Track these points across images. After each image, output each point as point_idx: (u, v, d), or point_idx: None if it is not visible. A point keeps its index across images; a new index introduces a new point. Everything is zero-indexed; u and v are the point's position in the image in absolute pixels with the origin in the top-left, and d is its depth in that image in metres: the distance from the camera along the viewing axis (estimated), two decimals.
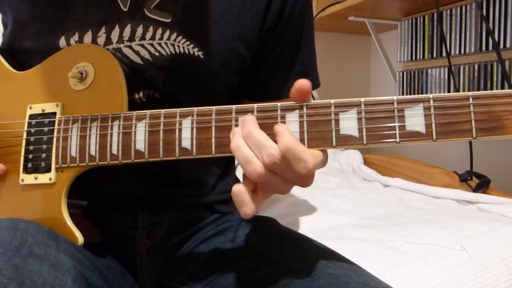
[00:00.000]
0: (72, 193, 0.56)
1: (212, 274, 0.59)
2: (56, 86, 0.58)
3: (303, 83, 0.46)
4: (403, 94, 1.73)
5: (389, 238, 0.86)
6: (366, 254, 0.78)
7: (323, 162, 0.47)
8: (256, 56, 0.67)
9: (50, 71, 0.59)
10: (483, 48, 1.41)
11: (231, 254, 0.61)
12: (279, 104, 0.47)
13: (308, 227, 0.98)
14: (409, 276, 0.72)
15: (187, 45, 0.60)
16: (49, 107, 0.57)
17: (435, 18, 1.56)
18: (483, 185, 1.23)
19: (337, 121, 0.46)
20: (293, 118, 0.47)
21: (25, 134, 0.57)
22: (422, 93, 1.63)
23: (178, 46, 0.60)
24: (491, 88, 1.38)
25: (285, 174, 0.44)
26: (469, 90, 1.46)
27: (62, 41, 0.60)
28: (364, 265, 0.61)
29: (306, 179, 0.45)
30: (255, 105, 0.48)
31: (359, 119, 0.45)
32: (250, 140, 0.44)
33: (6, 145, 0.58)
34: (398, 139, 0.45)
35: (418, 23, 1.65)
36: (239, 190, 0.44)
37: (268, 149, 0.43)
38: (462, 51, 1.47)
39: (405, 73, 1.72)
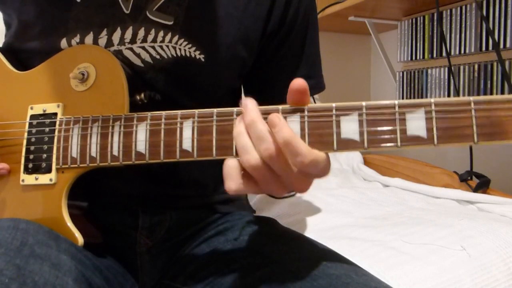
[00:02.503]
0: (72, 193, 0.56)
1: (213, 274, 0.59)
2: (57, 87, 0.58)
3: (299, 83, 0.44)
4: (403, 94, 1.73)
5: (389, 238, 0.86)
6: (366, 254, 0.79)
7: (325, 170, 0.45)
8: (260, 59, 0.67)
9: (52, 72, 0.59)
10: (483, 48, 1.41)
11: (231, 254, 0.61)
12: (280, 107, 0.47)
13: (308, 227, 0.98)
14: (409, 276, 0.72)
15: (189, 48, 0.60)
16: (50, 108, 0.57)
17: (435, 18, 1.57)
18: (483, 185, 1.23)
19: (338, 125, 0.45)
20: (294, 121, 0.46)
21: (26, 134, 0.57)
22: (422, 93, 1.63)
23: (180, 49, 0.60)
24: (491, 88, 1.38)
25: (281, 172, 0.44)
26: (469, 90, 1.46)
27: (64, 42, 0.60)
28: (364, 265, 0.61)
29: (302, 183, 0.45)
30: None
31: (361, 123, 0.45)
32: (252, 130, 0.44)
33: (7, 145, 0.59)
34: (399, 144, 0.44)
35: (418, 23, 1.65)
36: (231, 163, 0.44)
37: (267, 143, 0.43)
38: (462, 51, 1.48)
39: (405, 73, 1.72)
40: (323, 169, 0.44)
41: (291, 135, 0.42)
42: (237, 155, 0.48)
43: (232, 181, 0.44)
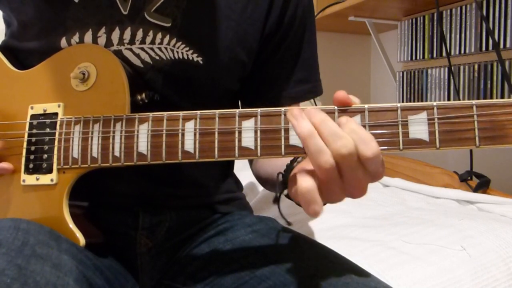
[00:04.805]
0: (73, 193, 0.56)
1: (212, 274, 0.59)
2: (57, 86, 0.58)
3: (341, 96, 0.46)
4: (403, 94, 1.73)
5: (389, 238, 0.86)
6: (366, 254, 0.79)
7: (382, 168, 0.44)
8: (257, 61, 0.67)
9: (52, 71, 0.59)
10: (483, 48, 1.41)
11: (231, 254, 0.61)
12: (282, 109, 0.47)
13: (308, 227, 0.98)
14: (409, 276, 0.73)
15: (186, 51, 0.60)
16: (50, 108, 0.57)
17: (435, 18, 1.57)
18: (483, 185, 1.23)
19: None
20: None
21: (26, 134, 0.57)
22: (422, 93, 1.63)
23: (177, 52, 0.60)
24: (491, 88, 1.38)
25: (349, 172, 0.42)
26: (469, 90, 1.46)
27: (63, 42, 0.60)
28: (364, 265, 0.61)
29: (362, 184, 0.43)
30: (259, 110, 0.48)
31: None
32: (324, 128, 0.42)
33: (7, 145, 0.58)
34: (401, 147, 0.44)
35: (418, 23, 1.65)
36: (310, 187, 0.42)
37: (345, 140, 0.41)
38: (462, 51, 1.48)
39: (405, 73, 1.72)
40: (381, 166, 0.44)
41: (359, 127, 0.43)
42: (239, 156, 0.48)
43: (317, 205, 0.42)
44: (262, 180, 0.72)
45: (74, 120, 0.55)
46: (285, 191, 0.49)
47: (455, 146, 0.44)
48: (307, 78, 0.70)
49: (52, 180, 0.55)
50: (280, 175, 0.50)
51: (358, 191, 0.44)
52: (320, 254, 0.57)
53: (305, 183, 0.42)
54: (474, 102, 0.44)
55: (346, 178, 0.43)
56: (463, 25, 1.47)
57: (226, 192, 0.74)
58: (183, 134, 0.50)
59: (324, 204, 0.48)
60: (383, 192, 1.31)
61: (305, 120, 0.43)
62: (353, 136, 0.42)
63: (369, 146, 0.41)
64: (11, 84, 0.60)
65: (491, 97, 1.39)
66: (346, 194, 0.45)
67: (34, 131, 0.57)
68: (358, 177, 0.43)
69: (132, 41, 0.59)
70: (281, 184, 0.51)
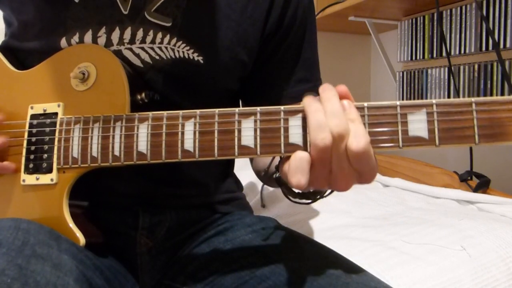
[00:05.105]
0: (73, 193, 0.56)
1: (212, 274, 0.59)
2: (57, 86, 0.58)
3: (341, 89, 0.46)
4: (403, 94, 1.73)
5: (389, 238, 0.86)
6: (366, 254, 0.79)
7: (373, 172, 0.44)
8: (257, 61, 0.67)
9: (52, 71, 0.59)
10: (483, 48, 1.41)
11: (231, 254, 0.61)
12: (282, 107, 0.47)
13: (308, 227, 0.98)
14: (409, 276, 0.73)
15: (187, 50, 0.60)
16: (50, 107, 0.57)
17: (435, 18, 1.57)
18: (483, 185, 1.23)
19: None
20: (296, 122, 0.47)
21: (26, 134, 0.57)
22: (422, 93, 1.63)
23: (178, 51, 0.60)
24: (491, 88, 1.38)
25: (338, 160, 0.43)
26: (469, 90, 1.46)
27: (63, 42, 0.60)
28: (364, 265, 0.61)
29: (347, 179, 0.44)
30: (258, 108, 0.48)
31: (362, 123, 0.45)
32: (328, 104, 0.43)
33: (7, 145, 0.58)
34: (400, 144, 0.45)
35: (418, 23, 1.66)
36: (303, 156, 0.43)
37: (340, 119, 0.42)
38: (462, 51, 1.48)
39: (405, 73, 1.72)
40: (371, 170, 0.44)
41: (358, 117, 0.43)
42: (239, 155, 0.48)
43: (303, 175, 0.43)
44: (261, 174, 0.72)
45: (74, 119, 0.55)
46: (277, 174, 0.49)
47: (454, 143, 0.44)
48: (307, 78, 0.70)
49: (52, 179, 0.55)
50: (279, 157, 0.51)
51: (341, 184, 0.44)
52: (320, 254, 0.57)
53: (301, 153, 0.43)
54: (473, 99, 0.44)
55: (333, 167, 0.43)
56: (463, 25, 1.47)
57: (226, 192, 0.74)
58: (182, 133, 0.50)
59: (311, 198, 0.48)
60: (383, 192, 1.31)
61: (316, 102, 0.45)
62: (349, 124, 0.43)
63: (358, 139, 0.42)
64: (11, 84, 0.61)
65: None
66: (329, 183, 0.45)
67: (34, 131, 0.57)
68: (343, 170, 0.43)
69: (132, 41, 0.59)
70: (278, 164, 0.51)
